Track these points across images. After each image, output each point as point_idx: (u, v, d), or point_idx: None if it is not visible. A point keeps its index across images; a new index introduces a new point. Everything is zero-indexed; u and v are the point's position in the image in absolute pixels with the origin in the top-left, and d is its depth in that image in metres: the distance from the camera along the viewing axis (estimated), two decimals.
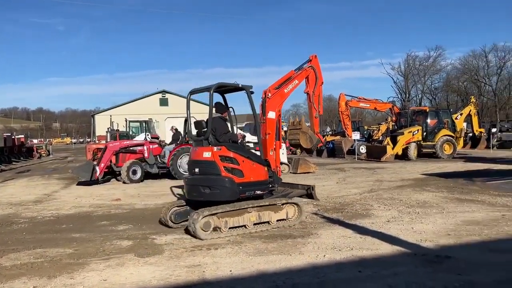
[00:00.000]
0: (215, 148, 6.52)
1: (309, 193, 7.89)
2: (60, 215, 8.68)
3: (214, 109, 6.96)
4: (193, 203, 6.95)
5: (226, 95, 7.60)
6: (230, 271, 4.81)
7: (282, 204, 6.90)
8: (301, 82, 8.84)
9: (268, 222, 6.76)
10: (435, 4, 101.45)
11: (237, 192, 6.51)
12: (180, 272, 4.83)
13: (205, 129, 6.85)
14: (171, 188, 11.65)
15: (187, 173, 7.53)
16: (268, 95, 7.92)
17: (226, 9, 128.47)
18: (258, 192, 6.80)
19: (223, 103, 7.45)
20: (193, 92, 7.30)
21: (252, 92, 7.07)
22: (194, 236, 6.22)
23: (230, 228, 6.41)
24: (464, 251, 5.33)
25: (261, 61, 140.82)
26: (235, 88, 7.26)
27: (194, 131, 7.30)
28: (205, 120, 7.00)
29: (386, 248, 5.51)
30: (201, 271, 4.82)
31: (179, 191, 11.04)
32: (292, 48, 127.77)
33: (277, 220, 6.86)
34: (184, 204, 7.19)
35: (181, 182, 13.74)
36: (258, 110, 7.73)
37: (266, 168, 7.06)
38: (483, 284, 4.19)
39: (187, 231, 6.54)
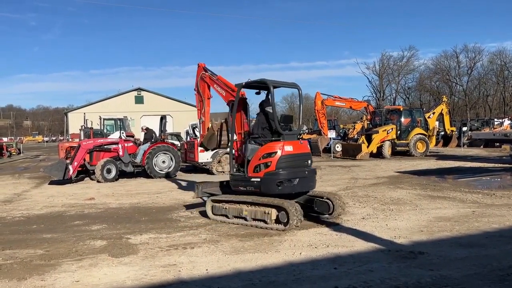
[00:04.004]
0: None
1: None
2: (30, 215, 8.44)
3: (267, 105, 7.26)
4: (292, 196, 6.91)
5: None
6: (207, 270, 4.78)
7: None
8: None
9: None
10: (409, 4, 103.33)
11: None
12: (155, 272, 4.77)
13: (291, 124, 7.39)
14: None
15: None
16: None
17: (202, 5, 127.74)
18: None
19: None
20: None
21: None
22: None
23: None
24: (436, 246, 5.45)
25: (238, 58, 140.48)
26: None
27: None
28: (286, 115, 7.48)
29: (361, 245, 5.59)
30: (176, 271, 4.77)
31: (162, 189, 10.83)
32: (269, 45, 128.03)
33: None
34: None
35: (158, 181, 13.70)
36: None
37: None
38: (454, 278, 4.29)
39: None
